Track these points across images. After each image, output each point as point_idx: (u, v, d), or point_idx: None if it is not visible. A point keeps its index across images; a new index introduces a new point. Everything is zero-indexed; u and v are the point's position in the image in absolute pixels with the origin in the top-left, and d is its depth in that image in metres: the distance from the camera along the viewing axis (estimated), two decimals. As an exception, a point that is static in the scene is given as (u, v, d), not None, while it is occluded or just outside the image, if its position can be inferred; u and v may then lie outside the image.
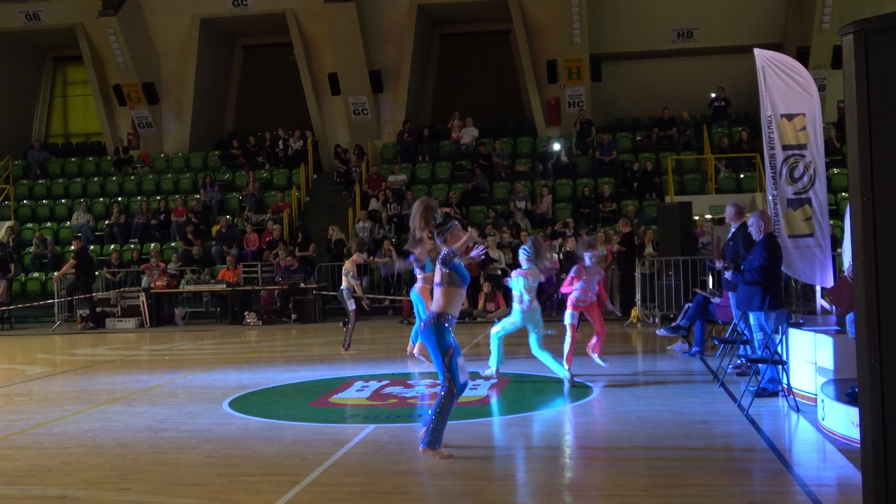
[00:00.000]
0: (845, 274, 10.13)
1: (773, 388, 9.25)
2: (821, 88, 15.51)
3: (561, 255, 18.97)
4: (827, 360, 8.62)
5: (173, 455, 7.52)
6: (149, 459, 7.38)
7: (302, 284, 20.34)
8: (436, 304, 7.21)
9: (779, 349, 9.03)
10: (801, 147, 10.87)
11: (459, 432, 7.86)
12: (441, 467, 6.83)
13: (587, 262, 11.66)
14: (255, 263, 21.43)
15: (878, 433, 3.62)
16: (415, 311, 13.22)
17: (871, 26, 3.80)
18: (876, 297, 3.57)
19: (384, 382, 11.04)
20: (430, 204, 7.40)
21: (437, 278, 7.22)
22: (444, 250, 7.15)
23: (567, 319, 11.52)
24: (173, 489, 6.46)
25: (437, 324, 7.08)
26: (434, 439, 7.06)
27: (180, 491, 6.41)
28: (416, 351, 12.59)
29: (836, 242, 13.59)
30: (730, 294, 10.97)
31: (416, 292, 12.80)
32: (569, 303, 11.64)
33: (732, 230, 11.14)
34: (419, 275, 12.69)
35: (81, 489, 6.51)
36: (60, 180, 27.64)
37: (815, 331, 9.07)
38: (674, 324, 13.40)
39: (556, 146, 24.95)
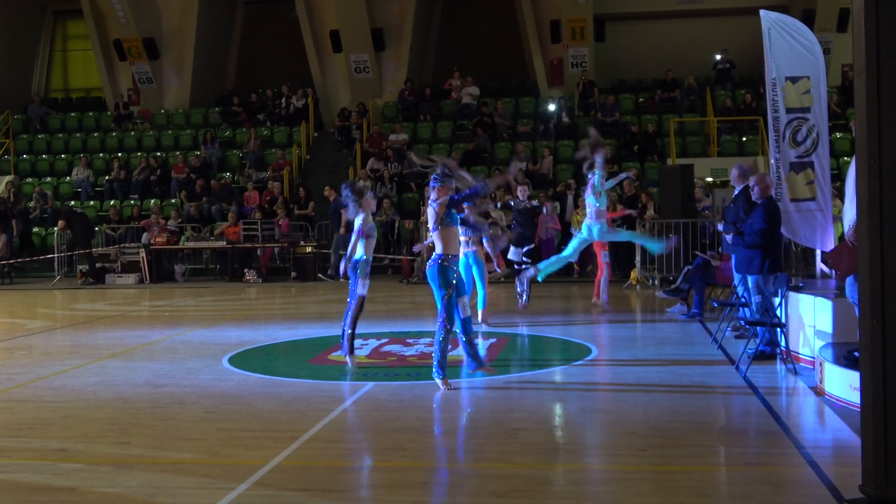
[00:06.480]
0: (846, 238, 10.11)
1: (771, 351, 9.27)
2: (825, 52, 15.36)
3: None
4: (826, 323, 8.63)
5: (173, 410, 7.55)
6: (148, 414, 7.41)
7: (301, 243, 20.33)
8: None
9: (778, 312, 9.03)
10: (805, 110, 10.82)
11: (455, 391, 7.88)
12: (438, 425, 6.86)
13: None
14: (256, 221, 21.40)
15: (878, 395, 3.62)
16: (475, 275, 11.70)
17: (882, -15, 3.75)
18: (880, 259, 3.55)
19: (383, 341, 11.06)
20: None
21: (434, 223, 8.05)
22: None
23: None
24: (172, 444, 6.49)
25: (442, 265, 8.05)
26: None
27: (179, 445, 6.44)
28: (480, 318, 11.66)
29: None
30: (732, 256, 10.95)
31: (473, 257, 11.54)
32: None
33: (736, 192, 11.07)
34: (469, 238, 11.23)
35: (81, 442, 6.54)
36: (60, 135, 27.50)
37: (815, 294, 9.08)
38: (673, 286, 13.40)
39: (552, 107, 24.81)
